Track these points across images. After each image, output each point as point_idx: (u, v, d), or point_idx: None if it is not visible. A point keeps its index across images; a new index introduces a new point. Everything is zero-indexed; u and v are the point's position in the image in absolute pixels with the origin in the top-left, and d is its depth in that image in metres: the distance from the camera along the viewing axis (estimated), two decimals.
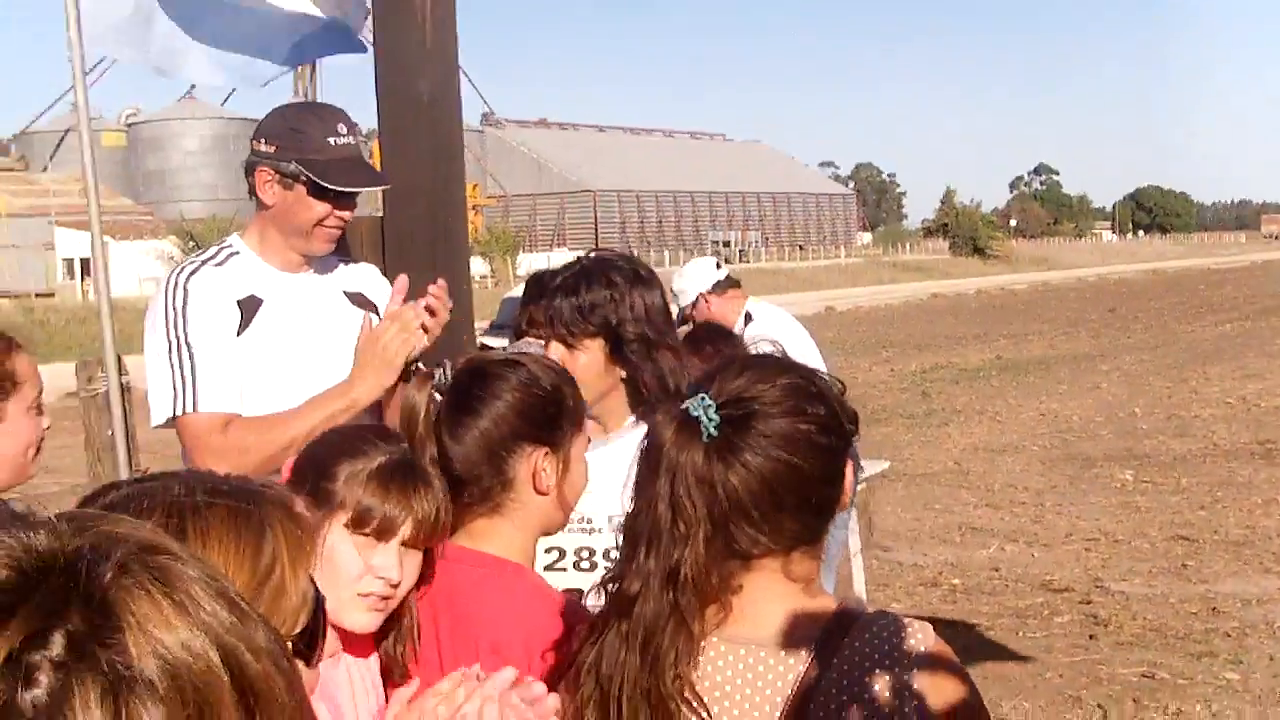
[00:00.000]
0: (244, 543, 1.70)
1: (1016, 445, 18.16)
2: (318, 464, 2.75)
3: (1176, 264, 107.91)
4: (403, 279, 4.29)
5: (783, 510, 2.42)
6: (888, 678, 2.39)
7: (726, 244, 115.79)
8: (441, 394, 2.99)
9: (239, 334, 4.29)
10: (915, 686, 2.37)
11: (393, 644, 2.84)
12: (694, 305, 8.08)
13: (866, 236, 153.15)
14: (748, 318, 8.00)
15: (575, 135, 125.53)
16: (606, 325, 3.77)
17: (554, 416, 3.04)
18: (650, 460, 2.43)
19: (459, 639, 2.54)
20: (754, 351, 2.66)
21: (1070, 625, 9.86)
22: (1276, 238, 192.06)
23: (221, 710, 1.13)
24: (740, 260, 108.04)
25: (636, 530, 2.44)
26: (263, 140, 4.34)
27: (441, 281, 4.22)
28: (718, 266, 8.39)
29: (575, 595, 3.22)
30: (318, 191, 4.27)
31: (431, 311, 4.16)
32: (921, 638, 2.42)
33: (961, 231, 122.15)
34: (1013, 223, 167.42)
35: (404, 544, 2.71)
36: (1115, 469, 16.07)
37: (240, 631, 1.18)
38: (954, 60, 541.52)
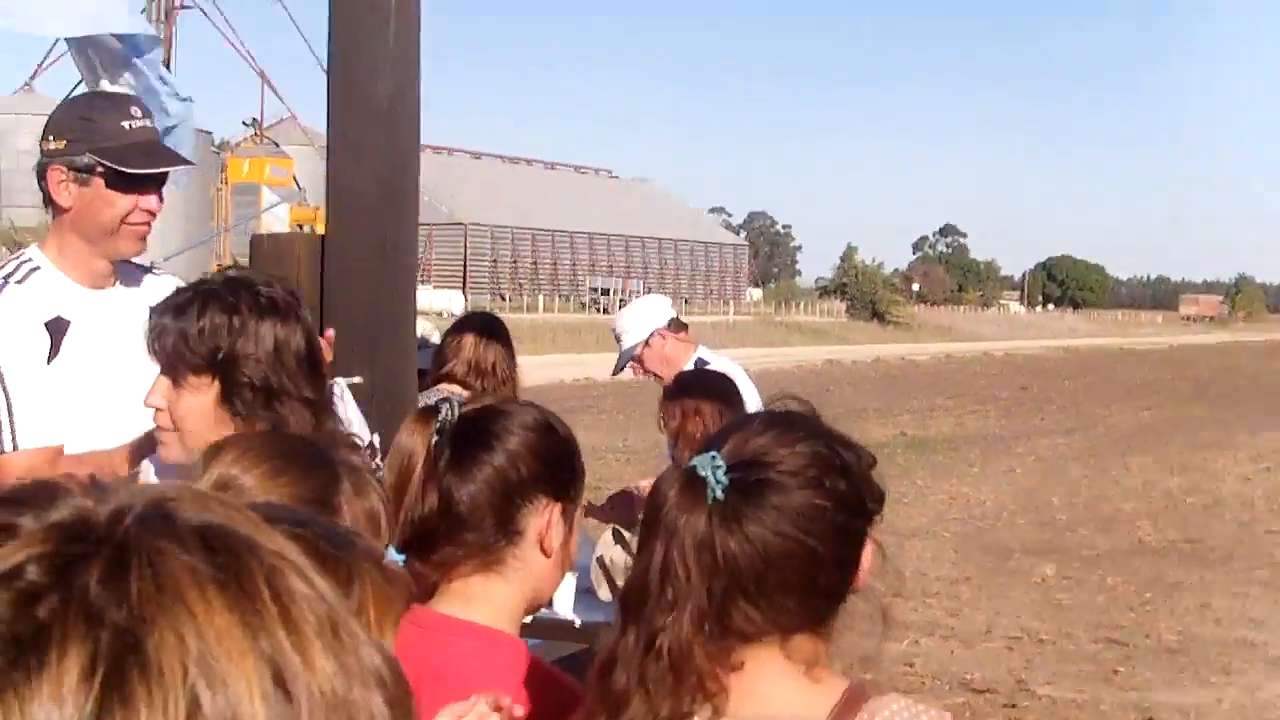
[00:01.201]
0: None
1: (926, 530, 18.25)
2: None
3: (1089, 342, 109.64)
4: (329, 334, 4.23)
5: (786, 590, 2.35)
6: None
7: (605, 291, 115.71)
8: (442, 434, 2.88)
9: (49, 361, 4.18)
10: None
11: None
12: (646, 343, 7.85)
13: (757, 293, 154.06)
14: (699, 365, 7.86)
15: (448, 161, 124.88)
16: (214, 360, 3.33)
17: (570, 470, 2.97)
18: (649, 521, 2.37)
19: None
20: (779, 409, 2.58)
21: None
22: (1194, 319, 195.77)
23: None
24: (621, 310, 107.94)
25: (628, 601, 2.37)
26: (51, 137, 4.22)
27: (330, 333, 4.16)
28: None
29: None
30: (118, 182, 4.17)
31: None
32: None
33: (860, 293, 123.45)
34: (915, 287, 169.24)
35: None
36: (1035, 562, 16.17)
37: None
38: (859, 108, 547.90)
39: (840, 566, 2.40)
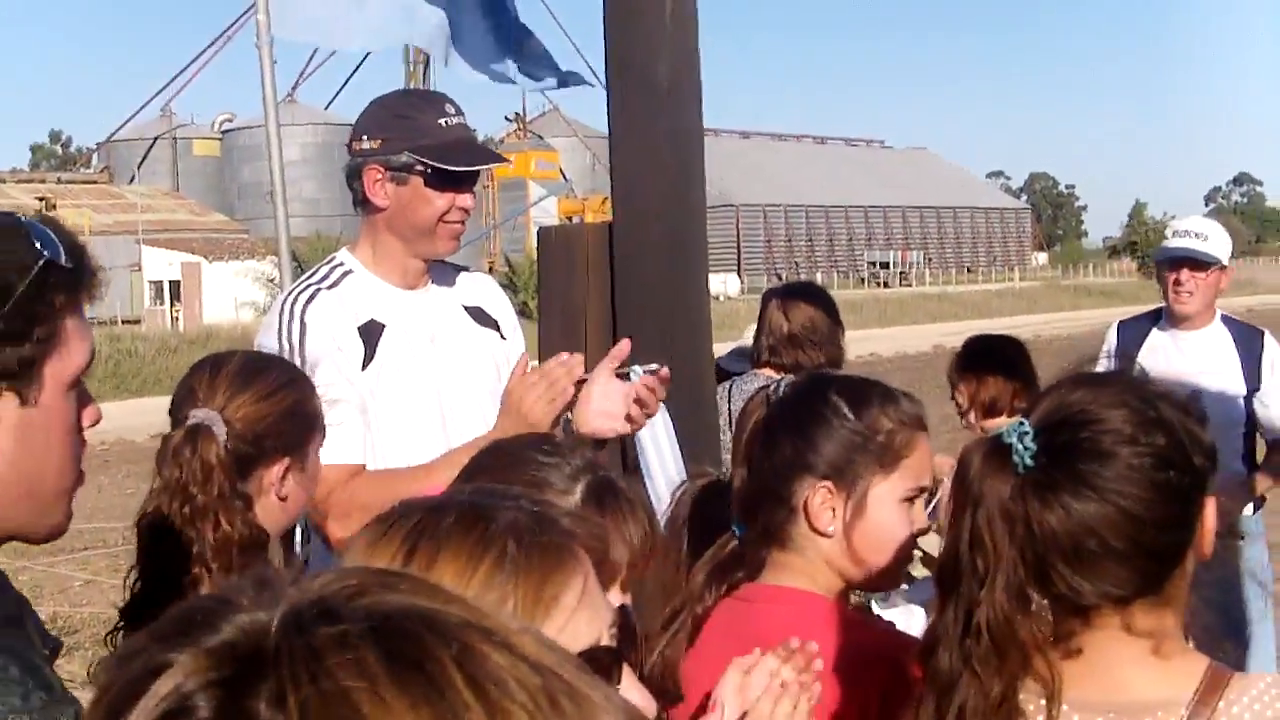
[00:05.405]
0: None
1: None
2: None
3: None
4: (624, 345, 4.13)
5: (1110, 557, 2.29)
6: None
7: (884, 265, 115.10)
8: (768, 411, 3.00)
9: (364, 367, 4.25)
10: None
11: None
12: (1222, 268, 7.60)
13: (1042, 257, 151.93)
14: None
15: (716, 142, 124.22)
16: None
17: (851, 450, 2.94)
18: (957, 493, 2.36)
19: None
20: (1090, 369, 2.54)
21: None
22: None
23: None
24: (901, 284, 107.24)
25: (944, 577, 2.37)
26: (364, 137, 4.30)
27: (665, 372, 4.05)
28: None
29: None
30: (436, 181, 4.23)
31: (641, 403, 4.00)
32: None
33: (1152, 250, 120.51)
34: None
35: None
36: None
37: None
38: (1138, 57, 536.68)
39: (1168, 528, 2.32)
